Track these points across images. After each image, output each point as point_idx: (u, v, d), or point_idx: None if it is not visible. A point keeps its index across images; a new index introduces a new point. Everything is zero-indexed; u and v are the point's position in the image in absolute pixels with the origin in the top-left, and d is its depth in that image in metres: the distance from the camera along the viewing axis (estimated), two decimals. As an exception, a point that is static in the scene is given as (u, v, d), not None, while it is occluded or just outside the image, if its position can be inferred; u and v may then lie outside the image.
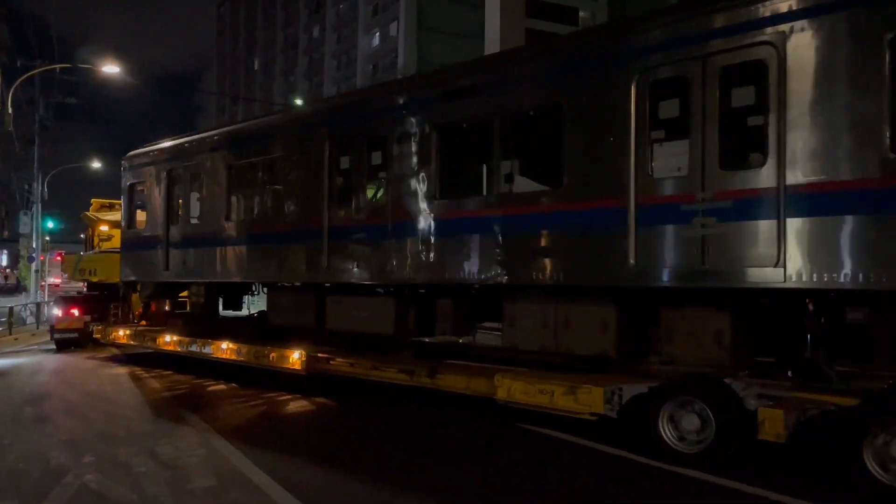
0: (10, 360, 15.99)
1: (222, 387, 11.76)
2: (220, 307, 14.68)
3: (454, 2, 60.04)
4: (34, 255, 34.77)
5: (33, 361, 15.81)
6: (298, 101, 51.70)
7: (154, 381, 12.37)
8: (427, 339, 10.08)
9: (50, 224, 41.04)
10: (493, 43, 45.36)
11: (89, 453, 7.21)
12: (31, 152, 33.30)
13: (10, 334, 22.17)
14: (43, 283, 37.56)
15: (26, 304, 29.18)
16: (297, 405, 10.05)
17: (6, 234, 55.28)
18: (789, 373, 7.03)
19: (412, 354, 9.76)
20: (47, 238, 44.59)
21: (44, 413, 9.61)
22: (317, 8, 78.78)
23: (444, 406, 9.24)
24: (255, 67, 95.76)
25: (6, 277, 75.39)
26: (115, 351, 16.89)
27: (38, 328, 25.52)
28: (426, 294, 9.85)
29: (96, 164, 44.89)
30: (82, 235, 22.39)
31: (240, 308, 15.00)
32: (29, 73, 26.77)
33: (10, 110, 23.35)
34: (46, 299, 32.84)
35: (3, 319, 23.14)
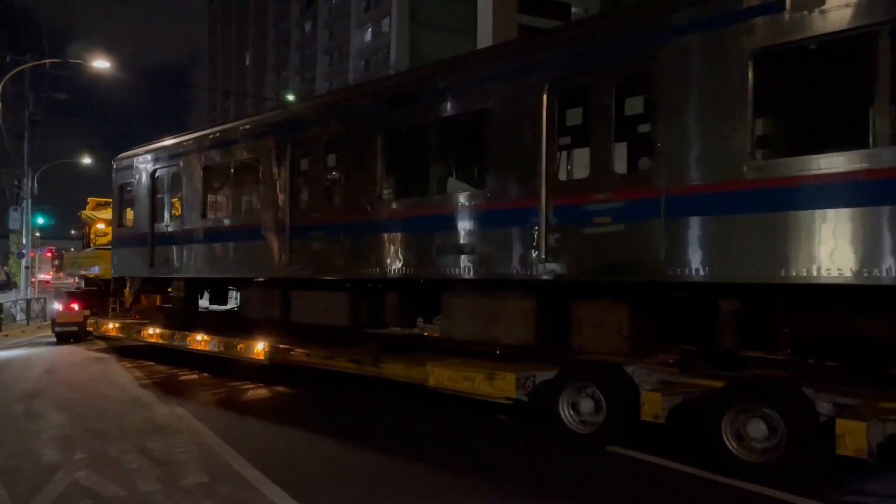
0: (8, 353, 15.97)
1: (209, 378, 11.85)
2: (208, 301, 15.48)
3: (446, -3, 59.98)
4: (24, 251, 34.57)
5: (32, 353, 15.82)
6: (290, 97, 51.54)
7: (142, 373, 12.39)
8: (374, 331, 10.81)
9: (40, 220, 40.71)
10: (485, 38, 45.29)
11: (80, 449, 7.21)
12: (21, 148, 33.08)
13: (0, 331, 22.07)
14: (33, 280, 37.36)
15: (16, 301, 29.01)
16: (287, 397, 10.07)
17: (-4, 230, 54.99)
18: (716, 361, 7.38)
19: (379, 346, 10.12)
20: (38, 234, 44.36)
21: (34, 409, 9.59)
22: (308, 3, 78.49)
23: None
24: (247, 62, 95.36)
25: (-4, 274, 74.94)
26: (106, 343, 17.35)
27: (28, 324, 25.40)
28: (377, 289, 10.44)
29: (87, 160, 44.62)
30: (73, 232, 23.14)
31: (226, 302, 15.50)
32: (18, 68, 26.61)
33: (-1, 105, 23.22)
34: (36, 296, 32.67)
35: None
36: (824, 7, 5.88)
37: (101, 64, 26.43)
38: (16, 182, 34.76)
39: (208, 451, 7.21)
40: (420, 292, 9.97)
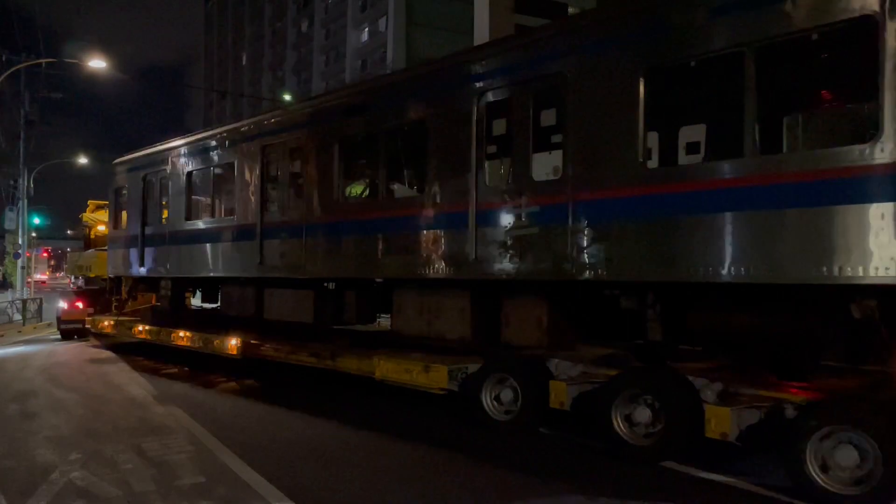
0: (3, 352, 15.97)
1: (205, 376, 11.88)
2: (201, 300, 16.39)
3: (443, -3, 59.94)
4: (20, 251, 34.50)
5: (27, 353, 15.80)
6: (287, 97, 51.48)
7: (138, 372, 12.37)
8: (351, 328, 11.37)
9: (36, 220, 40.68)
10: (482, 38, 45.26)
11: (75, 450, 7.19)
12: (17, 147, 33.00)
13: (-4, 331, 22.02)
14: (29, 280, 37.28)
15: (13, 301, 28.94)
16: (284, 396, 10.06)
17: (-8, 230, 54.89)
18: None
19: (349, 341, 10.66)
20: (33, 234, 44.23)
21: (29, 409, 9.57)
22: (305, 3, 78.43)
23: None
24: (243, 62, 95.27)
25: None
26: (100, 341, 17.84)
27: (24, 325, 25.33)
28: (339, 288, 11.08)
29: (83, 160, 44.53)
30: (70, 232, 23.99)
31: (216, 301, 15.75)
32: (14, 68, 26.54)
33: (-6, 105, 23.16)
34: (33, 296, 32.61)
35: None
36: (701, 27, 6.38)
37: (97, 63, 26.33)
38: (12, 182, 34.72)
39: (204, 451, 7.20)
40: (376, 291, 10.53)
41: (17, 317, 26.59)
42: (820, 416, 5.57)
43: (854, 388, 6.34)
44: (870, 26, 5.40)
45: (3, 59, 26.35)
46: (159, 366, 13.93)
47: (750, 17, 6.03)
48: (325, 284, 11.17)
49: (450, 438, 7.82)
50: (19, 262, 34.53)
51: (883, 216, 5.30)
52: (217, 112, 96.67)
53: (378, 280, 10.05)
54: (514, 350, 8.34)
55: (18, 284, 34.15)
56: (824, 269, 5.58)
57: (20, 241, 34.58)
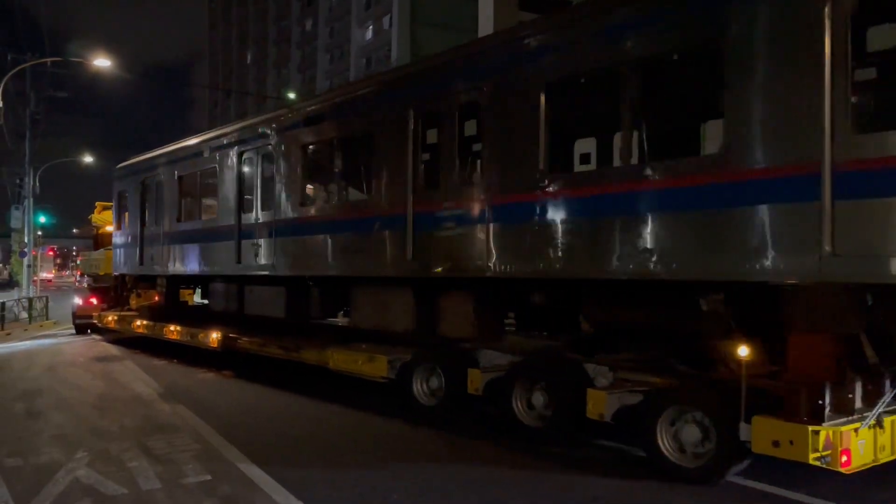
0: (10, 350, 15.99)
1: (209, 373, 11.89)
2: (200, 296, 17.68)
3: (447, -5, 59.80)
4: (26, 249, 34.56)
5: (33, 351, 15.86)
6: (291, 95, 51.47)
7: (143, 370, 12.38)
8: (329, 322, 12.26)
9: (42, 219, 40.76)
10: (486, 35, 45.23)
11: (81, 448, 7.19)
12: (23, 146, 33.04)
13: (3, 329, 22.09)
14: (35, 278, 37.36)
15: (19, 300, 29.03)
16: (290, 394, 10.07)
17: (-2, 229, 54.96)
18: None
19: (332, 335, 11.31)
20: (39, 233, 44.33)
21: (35, 408, 9.58)
22: (309, 1, 78.41)
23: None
24: (248, 60, 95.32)
25: (-2, 272, 75.08)
26: (102, 336, 18.76)
27: (30, 323, 25.41)
28: (307, 285, 11.74)
29: (88, 159, 44.63)
30: (75, 230, 25.36)
31: None
32: (19, 67, 26.56)
33: (0, 104, 23.18)
34: (38, 294, 32.68)
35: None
36: (589, 46, 7.04)
37: (101, 62, 26.37)
38: (17, 181, 34.76)
39: (210, 449, 7.20)
40: (337, 288, 11.20)
41: (24, 315, 26.67)
42: (669, 398, 6.36)
43: (701, 373, 6.75)
44: (715, 51, 6.04)
45: (9, 58, 26.33)
46: (165, 363, 13.97)
47: (623, 40, 6.68)
48: (296, 283, 11.81)
49: (450, 435, 7.81)
50: (25, 260, 34.59)
51: (729, 220, 5.84)
52: (222, 110, 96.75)
53: (338, 278, 10.68)
54: (449, 342, 8.95)
55: (24, 283, 34.22)
56: (685, 266, 6.16)
57: (26, 240, 34.64)
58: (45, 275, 60.06)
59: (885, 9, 5.57)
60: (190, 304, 17.92)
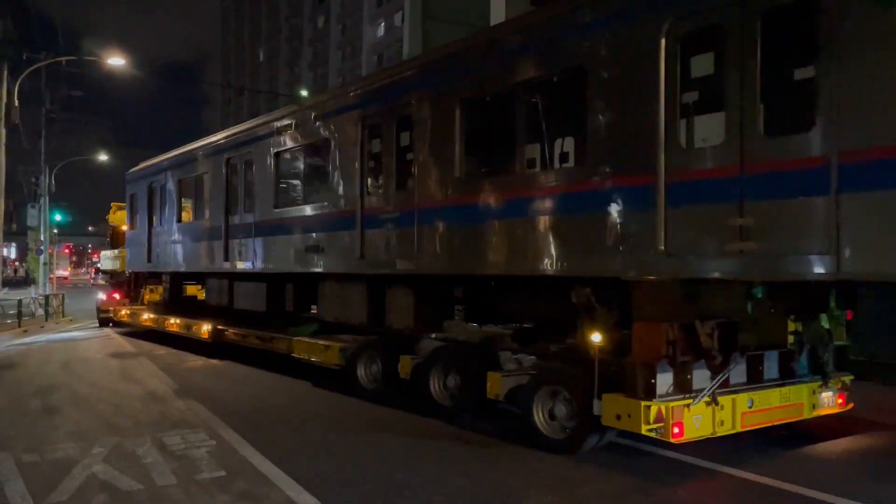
0: (26, 346, 16.15)
1: (223, 368, 11.95)
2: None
3: (459, -9, 59.65)
4: (42, 247, 34.89)
5: (50, 346, 15.96)
6: (303, 93, 51.58)
7: (158, 366, 12.48)
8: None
9: (58, 217, 41.13)
10: (498, 32, 45.05)
11: (97, 444, 7.24)
12: (38, 145, 33.33)
13: (20, 326, 22.29)
14: (52, 276, 37.71)
15: (35, 297, 29.29)
16: (304, 390, 10.11)
17: (14, 227, 55.44)
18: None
19: (320, 327, 11.99)
20: (55, 231, 44.71)
21: (51, 404, 9.66)
22: (321, -2, 78.51)
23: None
24: (260, 58, 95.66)
25: (15, 270, 75.80)
26: (128, 328, 19.71)
27: (46, 320, 25.61)
28: (284, 281, 12.70)
29: (103, 157, 44.98)
30: (90, 228, 27.79)
31: None
32: (35, 66, 26.71)
33: (16, 103, 23.37)
34: (55, 291, 32.97)
35: (13, 312, 23.24)
36: (489, 68, 7.98)
37: (115, 61, 26.52)
38: (33, 179, 35.11)
39: (224, 445, 7.23)
40: (308, 284, 11.99)
41: (40, 312, 26.89)
42: (543, 379, 7.25)
43: (568, 357, 7.47)
44: (580, 74, 6.76)
45: (25, 57, 26.47)
46: (180, 359, 14.06)
47: (513, 64, 7.60)
48: (275, 278, 12.80)
49: (454, 432, 7.84)
50: (41, 258, 34.92)
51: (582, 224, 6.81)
52: (235, 108, 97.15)
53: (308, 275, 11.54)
54: (395, 332, 9.83)
55: (41, 280, 34.54)
56: (559, 264, 7.06)
57: (42, 238, 34.97)
58: (61, 272, 60.57)
59: (706, 40, 6.33)
60: (200, 298, 18.30)
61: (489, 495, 5.78)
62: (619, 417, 6.23)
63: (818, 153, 5.19)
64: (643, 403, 6.03)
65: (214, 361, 13.92)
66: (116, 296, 21.41)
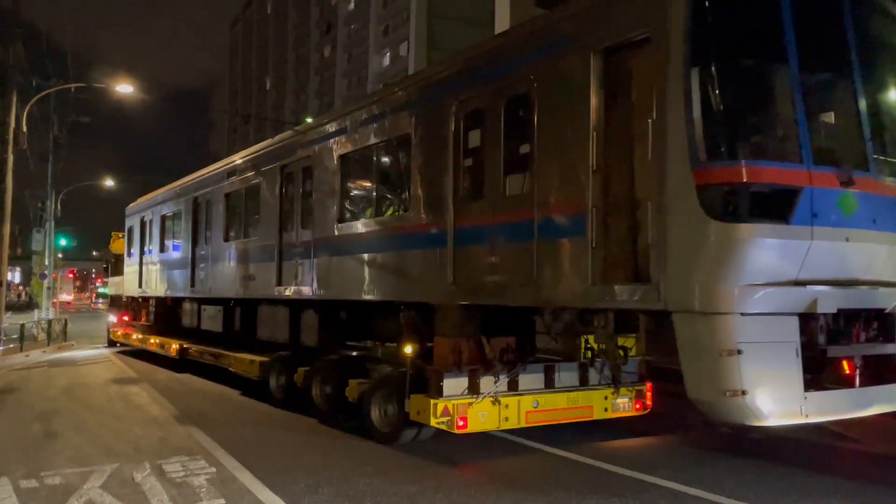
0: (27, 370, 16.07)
1: (225, 392, 11.87)
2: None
3: (464, 23, 60.34)
4: (46, 272, 34.95)
5: (51, 371, 15.89)
6: (309, 120, 51.97)
7: (158, 391, 12.42)
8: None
9: (62, 241, 41.26)
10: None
11: (97, 471, 7.18)
12: (44, 169, 33.56)
13: (21, 350, 22.28)
14: (55, 301, 37.70)
15: (37, 321, 29.30)
16: (303, 417, 10.04)
17: (19, 251, 55.61)
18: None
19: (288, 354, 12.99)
20: (59, 255, 44.83)
21: (52, 429, 9.60)
22: (328, 28, 79.53)
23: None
24: (267, 86, 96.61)
25: (19, 295, 75.84)
26: (128, 348, 19.44)
27: (48, 345, 25.59)
28: (235, 305, 14.48)
29: (109, 182, 45.23)
30: (95, 253, 29.12)
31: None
32: (44, 93, 26.97)
33: (24, 129, 23.57)
34: (58, 316, 32.96)
35: (16, 336, 23.24)
36: (366, 117, 9.68)
37: (124, 88, 26.78)
38: (39, 204, 35.25)
39: (224, 472, 7.16)
40: (252, 308, 13.55)
41: (42, 336, 26.88)
42: (377, 383, 8.86)
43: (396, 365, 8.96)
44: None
45: (34, 83, 26.72)
46: (180, 384, 14.00)
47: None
48: (228, 303, 14.62)
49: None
50: (45, 282, 34.95)
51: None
52: (241, 135, 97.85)
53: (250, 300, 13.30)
54: (308, 349, 11.24)
55: (44, 305, 34.54)
56: (388, 291, 9.11)
57: (46, 262, 35.04)
58: (64, 296, 60.50)
59: (475, 119, 7.80)
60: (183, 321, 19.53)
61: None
62: (418, 413, 7.64)
63: (528, 210, 6.81)
64: (432, 401, 7.38)
65: (211, 384, 13.92)
66: (125, 318, 22.94)
